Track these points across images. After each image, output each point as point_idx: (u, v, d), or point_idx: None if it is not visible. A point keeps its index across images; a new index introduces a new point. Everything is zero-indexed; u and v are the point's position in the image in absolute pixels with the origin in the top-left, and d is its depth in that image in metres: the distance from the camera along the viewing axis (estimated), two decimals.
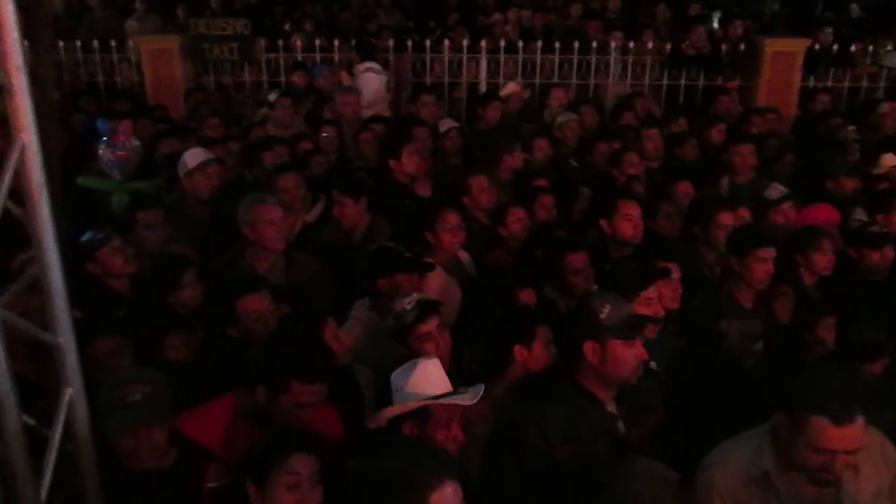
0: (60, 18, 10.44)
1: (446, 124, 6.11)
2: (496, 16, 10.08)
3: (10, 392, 1.79)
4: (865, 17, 12.40)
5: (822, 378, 2.32)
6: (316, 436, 2.45)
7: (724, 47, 8.42)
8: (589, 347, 2.64)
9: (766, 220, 4.62)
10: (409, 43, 7.94)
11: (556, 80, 7.85)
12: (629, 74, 8.10)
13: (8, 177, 1.76)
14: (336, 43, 7.98)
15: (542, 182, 4.94)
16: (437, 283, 3.86)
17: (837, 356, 3.37)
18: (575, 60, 7.94)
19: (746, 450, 2.37)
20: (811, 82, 7.98)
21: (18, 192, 1.86)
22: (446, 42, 7.98)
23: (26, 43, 1.88)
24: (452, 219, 4.08)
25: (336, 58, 7.98)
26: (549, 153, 5.66)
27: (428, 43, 7.94)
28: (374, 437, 2.51)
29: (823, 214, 4.79)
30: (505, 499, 2.65)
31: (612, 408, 2.73)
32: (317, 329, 3.01)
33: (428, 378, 2.51)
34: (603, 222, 4.15)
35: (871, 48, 8.19)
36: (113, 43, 7.95)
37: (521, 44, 7.94)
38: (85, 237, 3.60)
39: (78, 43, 7.97)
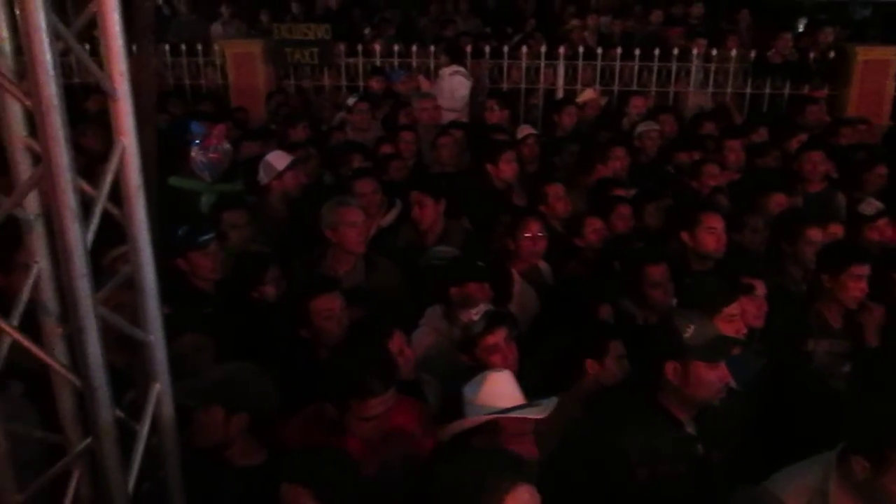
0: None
1: (524, 131, 6.08)
2: (574, 22, 9.99)
3: (105, 386, 1.85)
4: None
5: None
6: None
7: (811, 55, 8.15)
8: (670, 368, 2.57)
9: (860, 237, 4.43)
10: (487, 49, 7.94)
11: (635, 87, 7.74)
12: (711, 82, 7.92)
13: (109, 179, 1.82)
14: (414, 48, 8.04)
15: (619, 192, 4.87)
16: (512, 291, 3.85)
17: None
18: (655, 67, 7.81)
19: (808, 479, 2.26)
20: None
21: (116, 193, 1.92)
22: (524, 48, 7.95)
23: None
24: (535, 227, 4.07)
25: (414, 63, 8.05)
26: (626, 162, 5.57)
27: (506, 49, 7.93)
28: (448, 446, 2.51)
29: None
30: None
31: (691, 429, 2.66)
32: (383, 340, 3.02)
33: (498, 391, 2.49)
34: (684, 234, 4.05)
35: None
36: (199, 47, 8.20)
37: (599, 50, 7.85)
38: (181, 232, 3.67)
39: (166, 47, 8.26)
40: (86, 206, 1.77)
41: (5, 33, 1.87)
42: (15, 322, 1.92)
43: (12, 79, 1.79)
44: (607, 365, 2.90)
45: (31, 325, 2.00)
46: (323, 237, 3.92)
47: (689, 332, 2.56)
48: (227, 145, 4.98)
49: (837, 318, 3.69)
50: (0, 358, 1.92)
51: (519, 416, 2.44)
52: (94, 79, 1.84)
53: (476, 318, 3.00)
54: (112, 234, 2.04)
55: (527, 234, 4.04)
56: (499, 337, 2.99)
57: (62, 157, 1.61)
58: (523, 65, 7.86)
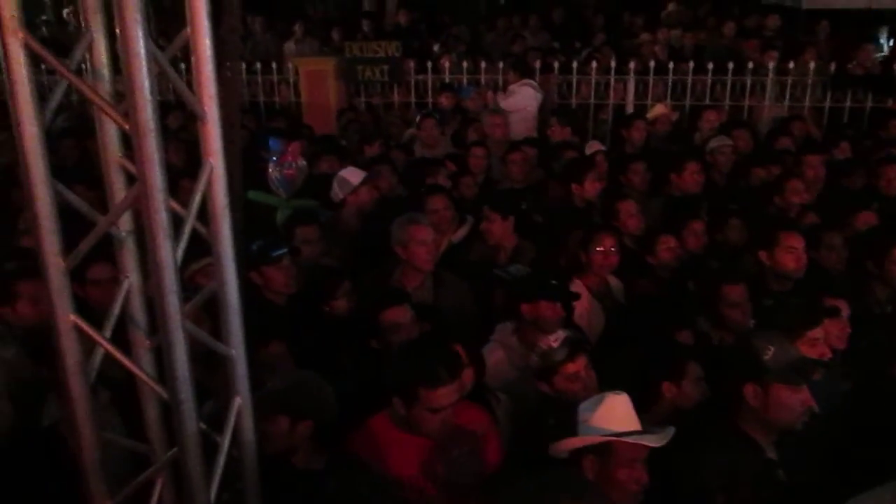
0: None
1: (592, 147, 6.04)
2: (644, 36, 9.89)
3: (191, 399, 1.90)
4: None
5: None
6: None
7: None
8: (750, 390, 2.51)
9: None
10: (556, 64, 7.92)
11: (707, 101, 7.60)
12: (787, 96, 7.72)
13: (197, 199, 1.88)
14: (483, 64, 8.08)
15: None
16: (581, 307, 3.82)
17: None
18: (729, 81, 7.66)
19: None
20: None
21: (203, 211, 1.98)
22: (593, 63, 7.90)
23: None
24: (608, 241, 4.05)
25: (483, 79, 8.08)
26: (701, 178, 5.46)
27: (574, 64, 7.90)
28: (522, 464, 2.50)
29: None
30: None
31: (772, 454, 2.58)
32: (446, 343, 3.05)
33: (615, 413, 2.46)
34: (762, 254, 3.95)
35: None
36: (273, 65, 8.42)
37: (671, 65, 7.74)
38: (255, 247, 3.77)
39: (242, 64, 8.50)
40: (175, 223, 1.84)
41: (104, 59, 1.96)
42: (107, 334, 2.00)
43: (110, 101, 1.87)
44: (684, 388, 2.84)
45: (120, 336, 2.08)
46: (393, 253, 3.97)
47: (770, 353, 2.49)
48: (302, 162, 5.09)
49: None
50: (93, 369, 1.99)
51: (635, 441, 2.41)
52: (179, 98, 1.91)
53: (556, 345, 2.96)
54: (192, 248, 2.11)
55: (599, 249, 4.03)
56: (579, 365, 2.95)
57: (157, 178, 1.67)
58: (592, 80, 7.81)
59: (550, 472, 2.17)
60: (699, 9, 12.40)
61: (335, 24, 11.10)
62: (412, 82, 8.20)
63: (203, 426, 2.15)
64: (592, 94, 7.83)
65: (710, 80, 7.68)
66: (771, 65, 7.70)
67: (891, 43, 11.57)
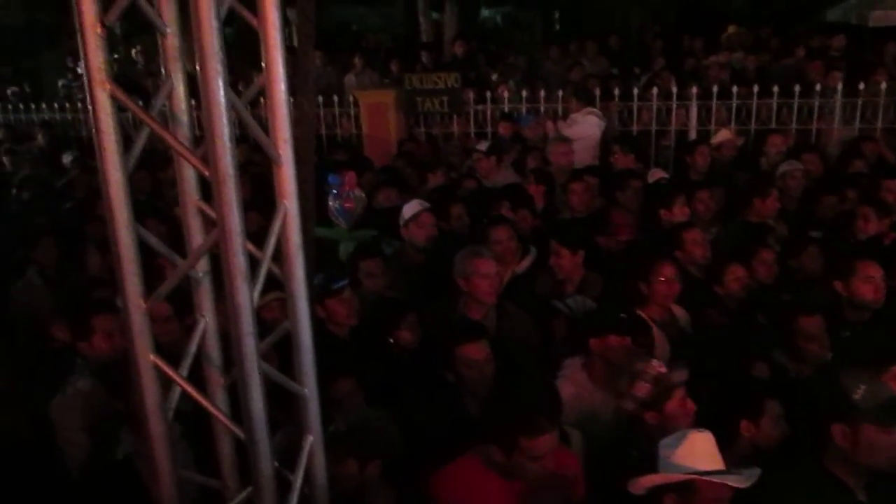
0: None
1: (655, 175, 5.96)
2: (712, 58, 9.75)
3: (266, 439, 1.92)
4: None
5: None
6: None
7: None
8: (839, 431, 2.41)
9: None
10: (616, 91, 7.87)
11: (773, 125, 7.43)
12: (857, 118, 7.50)
13: (273, 241, 1.91)
14: (542, 93, 8.07)
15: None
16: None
17: None
18: (795, 104, 7.48)
19: None
20: None
21: (278, 252, 2.00)
22: (654, 89, 7.82)
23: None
24: (668, 270, 3.98)
25: (542, 107, 8.07)
26: (778, 205, 5.30)
27: (635, 91, 7.83)
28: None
29: None
30: None
31: (862, 497, 2.47)
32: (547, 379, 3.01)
33: (698, 451, 2.40)
34: (838, 284, 3.82)
35: None
36: (335, 97, 8.57)
37: (735, 89, 7.60)
38: (317, 280, 3.81)
39: (317, 104, 8.65)
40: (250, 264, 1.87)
41: (183, 104, 2.02)
42: (184, 373, 2.04)
43: (189, 147, 1.92)
44: (764, 426, 2.74)
45: (195, 374, 2.12)
46: (456, 285, 3.96)
47: (860, 393, 2.39)
48: (358, 192, 5.14)
49: None
50: (171, 407, 2.03)
51: (720, 481, 2.34)
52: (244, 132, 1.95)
53: (665, 370, 2.88)
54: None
55: (661, 279, 3.95)
56: (680, 397, 2.89)
57: (235, 223, 1.71)
58: (654, 106, 7.73)
59: None
60: (760, 30, 12.21)
61: (393, 56, 11.27)
62: (471, 112, 8.23)
63: (276, 465, 2.17)
64: (654, 120, 7.74)
65: (775, 104, 7.51)
66: (839, 86, 7.49)
67: None
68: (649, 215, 5.11)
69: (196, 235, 2.07)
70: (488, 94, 8.17)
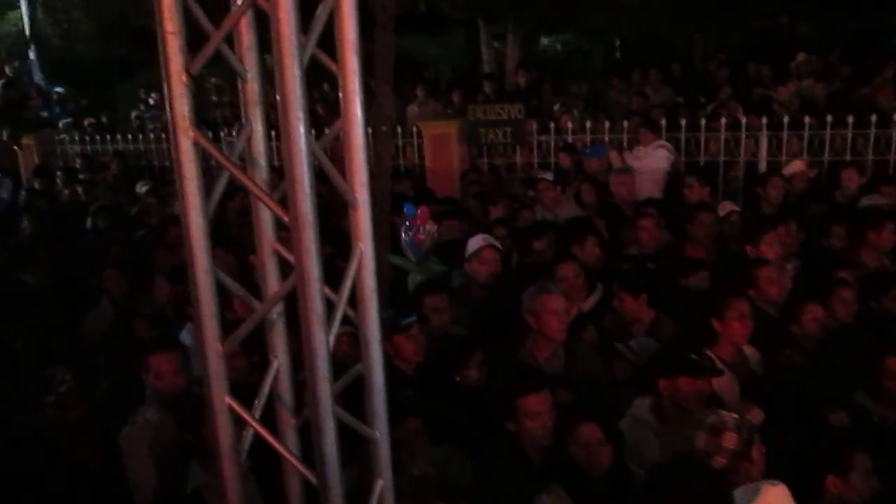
0: None
1: (725, 207, 5.82)
2: (780, 89, 9.53)
3: (338, 485, 1.90)
4: None
5: None
6: None
7: None
8: None
9: None
10: (683, 121, 7.73)
11: (848, 157, 7.19)
12: None
13: (348, 285, 1.90)
14: (606, 124, 8.00)
15: (842, 273, 4.49)
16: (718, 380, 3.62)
17: None
18: (872, 134, 7.23)
19: None
20: None
21: (352, 295, 1.99)
22: (722, 119, 7.66)
23: None
24: (742, 307, 3.86)
25: (606, 138, 7.99)
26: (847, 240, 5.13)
27: (703, 121, 7.69)
28: None
29: None
30: None
31: None
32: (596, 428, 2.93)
33: None
34: None
35: None
36: (398, 128, 8.64)
37: (807, 119, 7.39)
38: (385, 316, 3.80)
39: (369, 129, 8.75)
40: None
41: (262, 148, 2.04)
42: (257, 415, 2.04)
43: (267, 191, 1.94)
44: (853, 482, 2.60)
45: (267, 415, 2.12)
46: (523, 321, 3.91)
47: None
48: (431, 226, 5.15)
49: None
50: (244, 449, 2.03)
51: None
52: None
53: (733, 446, 2.76)
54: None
55: (733, 316, 3.82)
56: (759, 453, 2.78)
57: (314, 268, 1.70)
58: (722, 136, 7.57)
59: None
60: (830, 56, 11.90)
61: (455, 86, 11.33)
62: (534, 142, 8.20)
63: None
64: (722, 150, 7.58)
65: (850, 134, 7.27)
66: None
67: None
68: (727, 250, 4.97)
69: (271, 277, 2.08)
70: (552, 124, 8.12)
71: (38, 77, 16.09)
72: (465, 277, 4.87)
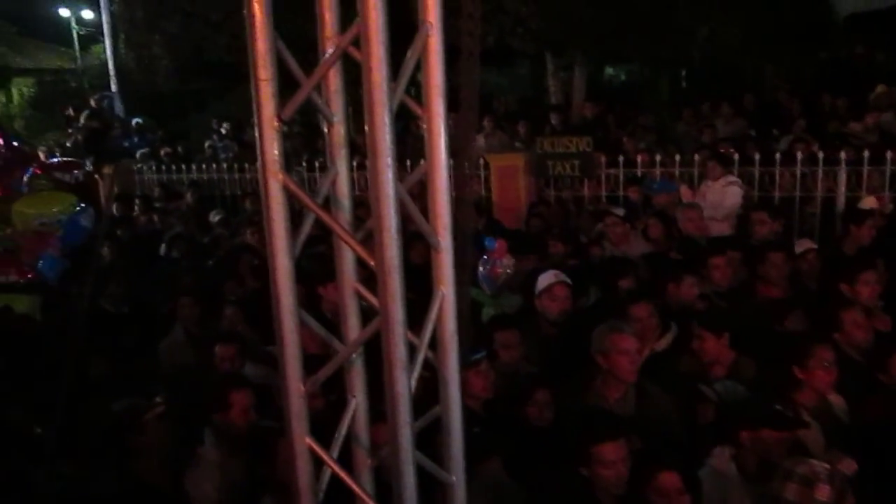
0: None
1: (803, 245, 5.64)
2: (852, 124, 9.25)
3: None
4: None
5: None
6: None
7: None
8: None
9: None
10: (757, 156, 7.55)
11: None
12: None
13: (430, 328, 1.89)
14: (677, 157, 7.88)
15: None
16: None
17: None
18: None
19: None
20: None
21: (433, 338, 1.98)
22: (798, 153, 7.46)
23: None
24: (827, 354, 3.70)
25: (677, 171, 7.87)
26: None
27: (777, 155, 7.50)
28: None
29: None
30: None
31: None
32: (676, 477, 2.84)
33: None
34: None
35: None
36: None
37: (889, 154, 7.14)
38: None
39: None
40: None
41: (346, 190, 2.07)
42: (335, 454, 2.04)
43: (351, 232, 1.95)
44: None
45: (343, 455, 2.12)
46: (593, 360, 3.84)
47: None
48: (508, 260, 5.12)
49: None
50: (321, 490, 2.03)
51: None
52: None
53: (826, 499, 2.65)
54: None
55: (817, 363, 3.67)
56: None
57: (398, 313, 1.71)
58: (798, 171, 7.37)
59: None
60: None
61: (522, 118, 11.34)
62: (602, 175, 8.13)
63: None
64: (798, 186, 7.37)
65: None
66: None
67: None
68: (805, 290, 4.79)
69: (352, 317, 2.09)
70: (621, 158, 8.05)
71: (118, 108, 16.79)
72: (535, 313, 4.79)
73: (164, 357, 5.42)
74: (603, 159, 8.14)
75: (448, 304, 1.98)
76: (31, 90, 18.57)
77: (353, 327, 2.08)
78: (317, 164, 9.38)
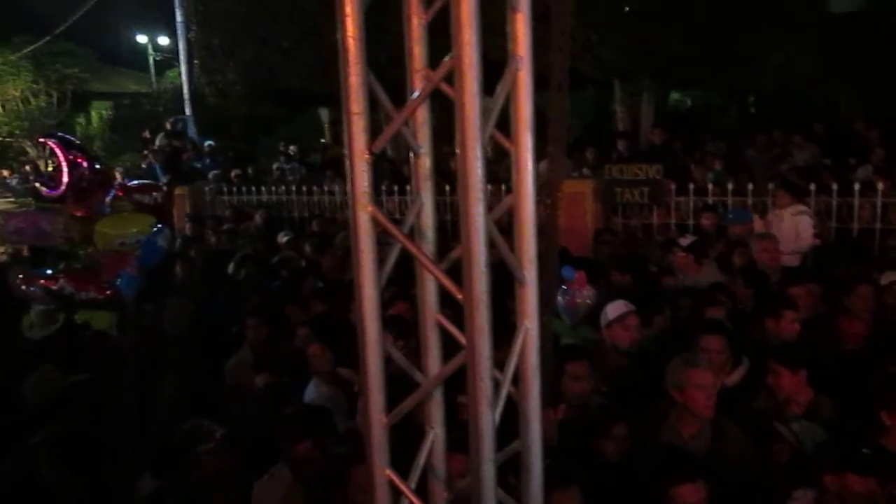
0: None
1: (888, 277, 5.42)
2: None
3: None
4: None
5: None
6: None
7: None
8: None
9: None
10: (835, 186, 7.32)
11: None
12: None
13: (514, 363, 1.87)
14: (749, 186, 7.69)
15: None
16: None
17: None
18: None
19: None
20: None
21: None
22: (879, 184, 7.21)
23: None
24: None
25: (749, 201, 7.68)
26: None
27: (857, 186, 7.26)
28: None
29: None
30: None
31: None
32: None
33: None
34: None
35: None
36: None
37: None
38: None
39: (502, 186, 8.84)
40: None
41: (430, 221, 2.07)
42: (412, 485, 2.03)
43: (435, 261, 1.95)
44: None
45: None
46: (666, 394, 3.75)
47: None
48: (588, 291, 5.04)
49: None
50: None
51: None
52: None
53: None
54: None
55: None
56: None
57: (485, 348, 1.69)
58: (878, 202, 7.11)
59: None
60: None
61: (588, 144, 11.27)
62: (672, 203, 8.00)
63: None
64: (878, 217, 7.11)
65: None
66: None
67: None
68: (890, 324, 4.60)
69: (433, 349, 2.08)
70: (691, 185, 7.90)
71: (191, 131, 17.34)
72: (604, 345, 4.71)
73: (230, 376, 5.50)
74: (672, 187, 8.00)
75: (531, 339, 1.96)
76: (109, 113, 19.34)
77: (434, 358, 2.06)
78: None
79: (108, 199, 4.71)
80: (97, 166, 4.66)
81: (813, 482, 3.12)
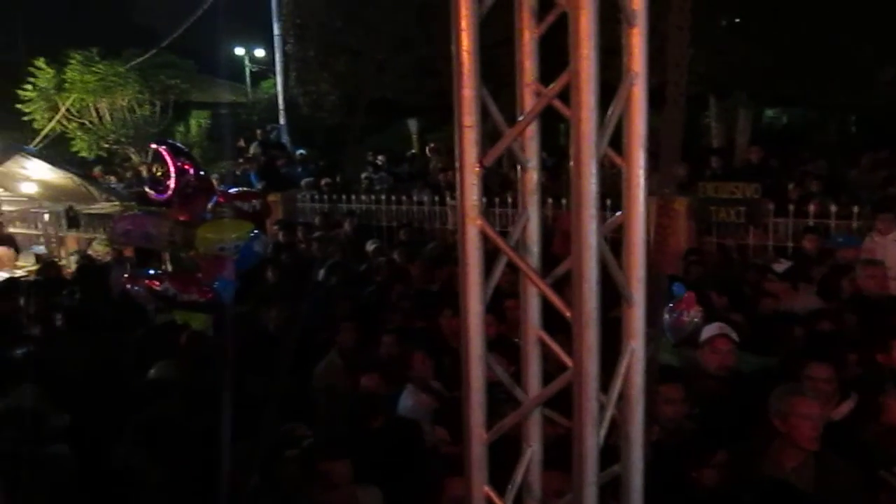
0: None
1: None
2: None
3: None
4: None
5: None
6: None
7: None
8: None
9: None
10: None
11: None
12: None
13: (619, 384, 1.85)
14: (854, 209, 7.34)
15: None
16: None
17: None
18: None
19: None
20: None
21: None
22: None
23: None
24: None
25: (854, 224, 7.33)
26: None
27: None
28: None
29: None
30: None
31: None
32: None
33: None
34: None
35: None
36: (607, 201, 8.44)
37: None
38: None
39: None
40: None
41: (535, 235, 2.05)
42: (509, 502, 2.01)
43: (539, 273, 1.93)
44: None
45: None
46: (769, 424, 3.59)
47: None
48: (696, 312, 4.90)
49: None
50: None
51: None
52: None
53: None
54: None
55: None
56: None
57: (593, 368, 1.67)
58: None
59: None
60: None
61: (682, 159, 10.97)
62: (770, 224, 7.71)
63: None
64: None
65: None
66: None
67: None
68: None
69: (534, 364, 2.06)
70: (791, 206, 7.60)
71: (285, 140, 17.83)
72: (697, 366, 4.56)
73: (318, 381, 5.58)
74: (771, 207, 7.72)
75: (637, 361, 1.92)
76: (207, 122, 20.07)
77: (535, 375, 2.04)
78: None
79: (209, 206, 4.87)
80: (202, 173, 4.83)
81: None
